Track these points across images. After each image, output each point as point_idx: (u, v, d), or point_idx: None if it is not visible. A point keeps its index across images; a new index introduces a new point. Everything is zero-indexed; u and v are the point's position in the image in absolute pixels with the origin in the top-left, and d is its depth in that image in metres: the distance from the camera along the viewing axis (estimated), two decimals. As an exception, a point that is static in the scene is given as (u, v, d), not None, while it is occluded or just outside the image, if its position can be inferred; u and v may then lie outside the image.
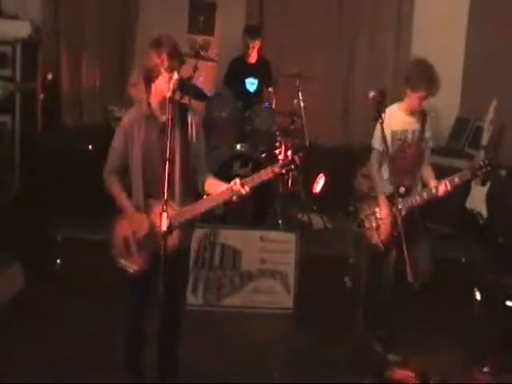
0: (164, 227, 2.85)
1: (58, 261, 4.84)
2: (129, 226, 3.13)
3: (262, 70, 6.17)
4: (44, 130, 5.76)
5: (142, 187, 3.13)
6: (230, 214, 5.20)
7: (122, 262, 3.14)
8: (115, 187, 3.18)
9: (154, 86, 3.07)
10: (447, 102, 6.60)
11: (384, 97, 4.24)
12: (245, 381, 3.67)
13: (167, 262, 2.83)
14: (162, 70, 3.01)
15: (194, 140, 3.18)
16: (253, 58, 6.13)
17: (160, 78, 3.03)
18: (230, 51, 6.39)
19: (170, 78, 3.03)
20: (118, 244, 3.17)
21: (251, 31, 6.18)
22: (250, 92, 6.12)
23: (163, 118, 3.08)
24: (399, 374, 3.66)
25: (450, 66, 6.64)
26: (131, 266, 3.13)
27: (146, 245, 3.10)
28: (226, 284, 4.66)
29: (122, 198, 3.16)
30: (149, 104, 3.13)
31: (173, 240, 3.00)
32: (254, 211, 5.28)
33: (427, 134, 3.90)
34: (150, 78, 3.07)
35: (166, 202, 2.86)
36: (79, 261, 4.76)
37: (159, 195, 2.92)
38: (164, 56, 3.00)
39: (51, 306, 4.33)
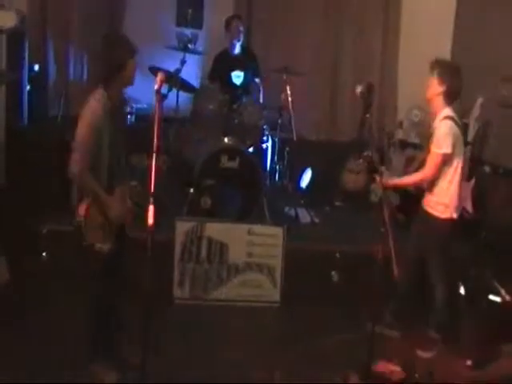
0: (151, 221, 2.91)
1: (44, 254, 4.81)
2: (102, 212, 3.30)
3: (247, 62, 6.15)
4: (30, 121, 5.72)
5: (107, 175, 3.33)
6: (217, 207, 5.20)
7: (98, 245, 3.30)
8: (93, 182, 3.27)
9: (118, 77, 3.27)
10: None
11: (371, 92, 4.27)
12: (231, 375, 3.68)
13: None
14: (128, 58, 3.26)
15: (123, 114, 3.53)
16: (237, 47, 6.10)
17: (126, 66, 3.26)
18: (218, 44, 6.37)
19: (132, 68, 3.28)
20: (93, 230, 3.30)
21: (235, 16, 6.19)
22: (236, 85, 6.10)
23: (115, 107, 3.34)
24: (384, 367, 3.69)
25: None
26: (106, 246, 3.31)
27: (116, 224, 3.36)
28: (212, 277, 4.66)
29: (99, 190, 3.28)
30: (110, 96, 3.29)
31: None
32: (241, 205, 5.28)
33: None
34: (111, 72, 3.27)
35: (153, 195, 2.93)
36: (65, 254, 4.74)
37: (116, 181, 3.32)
38: (126, 45, 3.29)
39: (36, 299, 4.31)
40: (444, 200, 3.93)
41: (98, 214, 3.29)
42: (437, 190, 3.93)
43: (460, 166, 3.95)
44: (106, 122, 3.25)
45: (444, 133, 3.83)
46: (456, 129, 3.89)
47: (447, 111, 3.91)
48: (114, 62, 3.26)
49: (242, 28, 6.07)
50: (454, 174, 3.92)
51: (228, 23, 6.09)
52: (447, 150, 3.83)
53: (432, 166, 3.87)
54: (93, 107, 3.25)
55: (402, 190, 3.93)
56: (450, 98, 3.90)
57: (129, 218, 3.46)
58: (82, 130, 3.21)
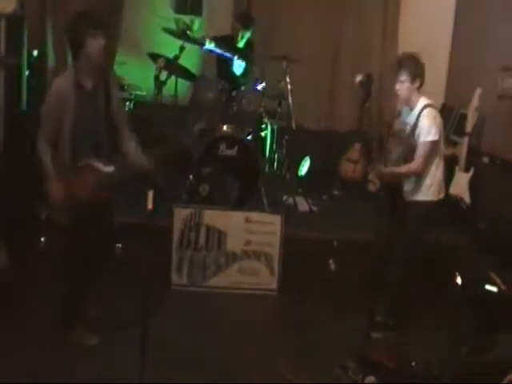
0: (150, 206, 2.92)
1: (43, 239, 4.82)
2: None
3: (247, 52, 6.13)
4: (29, 106, 5.70)
5: (70, 151, 3.39)
6: (216, 194, 5.21)
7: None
8: (47, 157, 3.40)
9: (81, 53, 3.28)
10: (433, 90, 6.62)
11: (370, 81, 4.28)
12: (227, 361, 3.71)
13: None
14: (87, 36, 3.24)
15: (113, 98, 3.43)
16: (240, 44, 6.11)
17: (86, 44, 3.25)
18: (217, 31, 6.35)
19: (97, 45, 3.26)
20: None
21: (244, 20, 6.12)
22: (235, 73, 6.08)
23: (89, 86, 3.35)
24: (380, 355, 3.71)
25: (436, 54, 6.68)
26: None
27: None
28: (210, 265, 4.68)
29: (49, 169, 3.42)
30: (77, 71, 3.34)
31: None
32: (240, 193, 5.29)
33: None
34: (76, 46, 3.29)
35: (152, 181, 2.94)
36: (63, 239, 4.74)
37: (87, 156, 3.36)
38: (87, 23, 3.27)
39: (35, 284, 4.32)
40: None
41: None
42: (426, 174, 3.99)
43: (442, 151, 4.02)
44: (71, 95, 3.30)
45: (430, 120, 3.86)
46: (439, 117, 3.93)
47: (424, 99, 3.95)
48: (74, 39, 3.33)
49: (246, 37, 6.05)
50: (438, 159, 3.98)
51: (235, 23, 6.15)
52: (435, 137, 3.85)
53: (422, 155, 3.87)
54: (56, 81, 3.37)
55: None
56: (421, 87, 3.96)
57: (84, 196, 3.42)
58: (45, 104, 3.34)
